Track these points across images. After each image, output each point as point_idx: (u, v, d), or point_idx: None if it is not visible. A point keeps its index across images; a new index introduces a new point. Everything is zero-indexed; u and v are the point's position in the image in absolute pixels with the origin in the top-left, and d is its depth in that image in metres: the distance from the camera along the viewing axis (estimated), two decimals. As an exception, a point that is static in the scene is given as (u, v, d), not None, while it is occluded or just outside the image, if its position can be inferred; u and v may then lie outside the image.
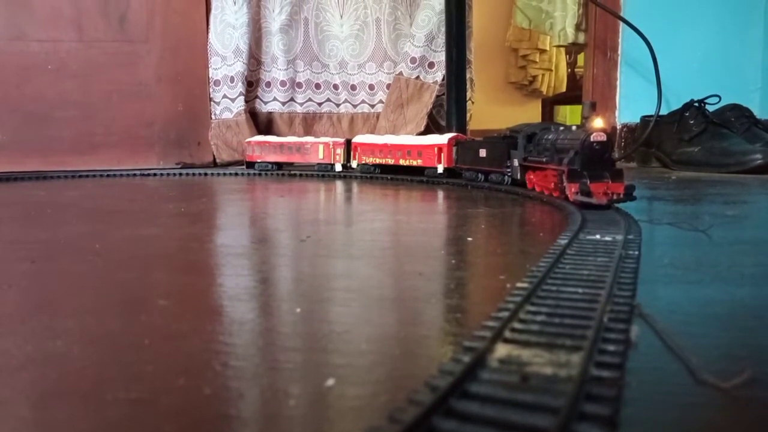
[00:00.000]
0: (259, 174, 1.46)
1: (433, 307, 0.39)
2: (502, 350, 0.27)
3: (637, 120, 1.61)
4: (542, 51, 3.00)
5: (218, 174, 1.47)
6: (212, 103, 1.68)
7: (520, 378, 0.24)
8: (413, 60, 1.68)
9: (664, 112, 1.51)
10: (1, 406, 0.25)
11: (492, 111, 2.86)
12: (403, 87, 1.69)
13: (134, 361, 0.29)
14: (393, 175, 1.27)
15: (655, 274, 0.45)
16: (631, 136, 1.65)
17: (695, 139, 1.41)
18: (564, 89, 3.14)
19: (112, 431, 0.23)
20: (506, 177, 0.99)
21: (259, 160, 1.48)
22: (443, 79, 1.62)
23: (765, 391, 0.25)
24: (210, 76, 1.67)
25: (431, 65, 1.68)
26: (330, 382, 0.26)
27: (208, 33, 1.66)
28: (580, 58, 2.74)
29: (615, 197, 0.67)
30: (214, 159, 1.68)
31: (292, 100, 1.74)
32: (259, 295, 0.43)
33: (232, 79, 1.67)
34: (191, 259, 0.56)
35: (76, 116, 1.60)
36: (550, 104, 3.25)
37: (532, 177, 0.90)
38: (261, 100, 1.74)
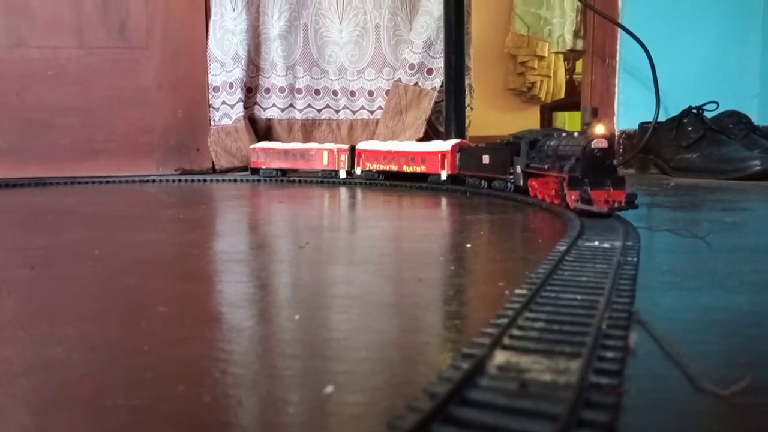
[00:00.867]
0: (260, 180, 1.46)
1: (432, 314, 0.39)
2: (500, 357, 0.27)
3: (636, 126, 1.62)
4: (541, 57, 3.01)
5: (217, 180, 1.48)
6: (211, 109, 1.69)
7: (518, 385, 0.24)
8: (412, 66, 1.68)
9: (662, 118, 1.51)
10: (1, 413, 0.25)
11: (490, 117, 2.86)
12: (402, 93, 1.69)
13: (134, 367, 0.29)
14: (396, 181, 1.26)
15: (653, 281, 0.45)
16: (630, 142, 1.65)
17: (693, 146, 1.41)
18: (562, 96, 3.14)
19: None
20: (509, 184, 0.98)
21: (263, 167, 1.47)
22: (442, 86, 1.63)
23: (764, 398, 0.25)
24: (209, 82, 1.68)
25: (430, 71, 1.69)
26: (329, 389, 0.26)
27: (207, 39, 1.67)
28: (579, 65, 2.75)
29: (616, 205, 0.66)
30: (213, 165, 1.68)
31: (291, 106, 1.74)
32: (258, 302, 0.43)
33: (231, 86, 1.68)
34: (191, 266, 0.56)
35: (76, 123, 1.60)
36: (548, 111, 3.26)
37: (534, 184, 0.89)
38: (260, 106, 1.74)
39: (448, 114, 1.53)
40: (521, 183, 0.94)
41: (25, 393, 0.27)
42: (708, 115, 1.44)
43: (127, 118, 1.63)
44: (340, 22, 1.73)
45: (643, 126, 1.56)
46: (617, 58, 1.69)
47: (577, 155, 0.71)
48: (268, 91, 1.74)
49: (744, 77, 1.64)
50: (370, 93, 1.76)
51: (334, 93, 1.75)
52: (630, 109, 1.66)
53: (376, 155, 1.32)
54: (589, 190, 0.67)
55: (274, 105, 1.74)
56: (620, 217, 0.66)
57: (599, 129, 0.70)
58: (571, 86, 3.11)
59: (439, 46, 1.65)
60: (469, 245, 0.64)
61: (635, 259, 0.46)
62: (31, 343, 0.34)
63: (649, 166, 1.56)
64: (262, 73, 1.73)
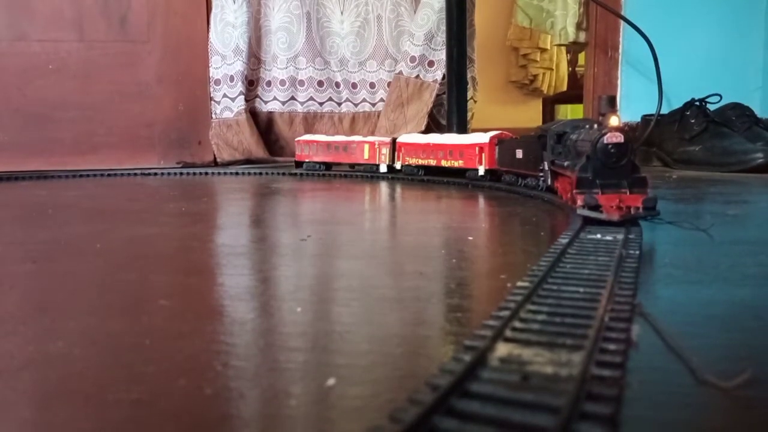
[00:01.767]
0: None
1: (434, 307, 0.39)
2: (502, 349, 0.27)
3: (638, 119, 1.61)
4: (543, 50, 3.01)
5: (219, 173, 1.48)
6: (213, 102, 1.68)
7: (520, 377, 0.24)
8: (413, 59, 1.68)
9: (665, 111, 1.51)
10: (2, 407, 0.25)
11: (493, 110, 2.86)
12: (403, 86, 1.69)
13: (135, 361, 0.29)
14: (433, 177, 1.18)
15: (655, 273, 0.45)
16: (632, 135, 1.65)
17: (696, 138, 1.40)
18: (565, 88, 3.14)
19: None
20: (540, 182, 0.87)
21: (307, 160, 1.41)
22: (443, 78, 1.62)
23: (766, 391, 0.25)
24: (210, 75, 1.67)
25: (431, 64, 1.68)
26: (331, 381, 0.26)
27: (208, 32, 1.66)
28: (581, 57, 2.74)
29: (632, 212, 0.56)
30: (215, 158, 1.68)
31: (292, 99, 1.74)
32: (259, 295, 0.43)
33: (231, 78, 1.67)
34: (192, 259, 0.56)
35: (77, 116, 1.60)
36: (551, 103, 3.25)
37: (557, 184, 0.80)
38: (261, 99, 1.74)
39: (450, 107, 1.52)
40: (549, 181, 0.83)
41: (27, 387, 0.27)
42: (711, 107, 1.43)
43: (129, 111, 1.63)
44: (342, 13, 1.72)
45: (646, 118, 1.55)
46: (620, 51, 1.68)
47: (588, 152, 0.62)
48: (269, 84, 1.73)
49: (747, 70, 1.63)
50: (372, 85, 1.75)
51: (337, 85, 1.74)
52: (633, 102, 1.65)
53: (415, 149, 1.24)
54: (599, 193, 0.58)
55: (275, 98, 1.73)
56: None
57: (613, 121, 0.59)
58: (574, 79, 3.10)
59: (441, 38, 1.65)
60: (470, 237, 0.63)
61: (637, 252, 0.46)
62: (33, 337, 0.34)
63: (651, 158, 1.56)
64: (264, 66, 1.73)
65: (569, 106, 3.20)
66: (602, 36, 1.71)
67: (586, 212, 0.57)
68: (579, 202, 0.58)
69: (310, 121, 1.75)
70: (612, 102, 0.60)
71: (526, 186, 0.93)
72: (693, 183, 1.13)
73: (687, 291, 0.42)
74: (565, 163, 0.72)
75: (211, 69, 1.67)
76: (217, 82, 1.68)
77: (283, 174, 1.43)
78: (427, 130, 1.61)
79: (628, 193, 0.58)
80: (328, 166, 1.39)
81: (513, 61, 3.12)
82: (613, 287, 0.36)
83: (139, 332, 0.34)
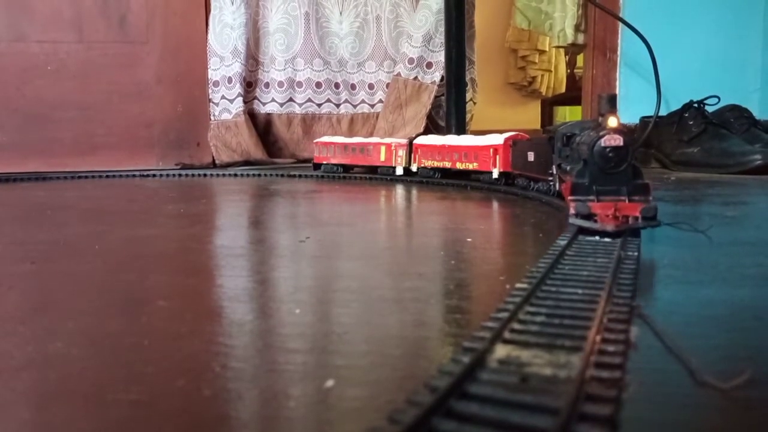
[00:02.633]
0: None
1: (433, 308, 0.39)
2: (501, 351, 0.27)
3: (637, 121, 1.61)
4: (541, 52, 3.01)
5: (218, 175, 1.47)
6: (211, 104, 1.68)
7: (519, 379, 0.24)
8: (411, 60, 1.68)
9: (663, 112, 1.51)
10: (1, 407, 0.25)
11: (491, 112, 2.86)
12: (402, 88, 1.69)
13: (134, 362, 0.29)
14: (449, 180, 1.15)
15: (654, 275, 0.45)
16: (633, 137, 1.65)
17: (695, 140, 1.40)
18: (563, 90, 3.14)
19: (112, 432, 0.23)
20: (551, 186, 0.82)
21: (324, 162, 1.37)
22: (442, 80, 1.62)
23: (765, 391, 0.25)
24: (209, 76, 1.67)
25: (429, 65, 1.68)
26: (329, 383, 0.26)
27: (207, 34, 1.66)
28: (580, 59, 2.75)
29: (630, 222, 0.52)
30: (214, 160, 1.68)
31: (291, 100, 1.74)
32: (258, 296, 0.43)
33: (230, 80, 1.67)
34: (191, 260, 0.56)
35: (76, 117, 1.60)
36: (549, 105, 3.26)
37: (564, 189, 0.73)
38: (259, 101, 1.74)
39: (449, 108, 1.52)
40: (558, 186, 0.78)
41: (26, 387, 0.27)
42: (709, 109, 1.43)
43: (127, 112, 1.63)
44: (341, 13, 1.72)
45: (644, 120, 1.55)
46: (618, 53, 1.68)
47: (584, 156, 0.57)
48: (267, 85, 1.73)
49: (745, 71, 1.63)
50: (371, 86, 1.75)
51: (336, 86, 1.74)
52: (631, 104, 1.65)
53: (431, 151, 1.20)
54: (594, 200, 0.53)
55: (273, 100, 1.73)
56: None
57: (612, 122, 0.54)
58: (572, 80, 3.11)
59: (439, 39, 1.65)
60: (469, 239, 0.63)
61: (636, 253, 0.46)
62: (32, 337, 0.34)
63: (650, 160, 1.56)
64: (262, 68, 1.73)
65: (568, 108, 3.21)
66: (601, 38, 1.71)
67: (579, 221, 0.53)
68: (571, 211, 0.54)
69: (309, 123, 1.75)
70: (612, 101, 0.55)
71: (537, 191, 0.88)
72: (691, 184, 1.13)
73: (686, 292, 0.42)
74: (568, 168, 0.67)
75: (209, 70, 1.67)
76: (216, 83, 1.68)
77: (282, 175, 1.43)
78: (426, 132, 1.61)
79: (626, 200, 0.53)
80: (346, 168, 1.35)
81: (512, 63, 3.12)
82: (612, 289, 0.36)
83: (137, 333, 0.34)
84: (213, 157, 1.68)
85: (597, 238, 0.51)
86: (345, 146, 1.35)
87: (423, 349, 0.32)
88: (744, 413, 0.24)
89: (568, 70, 3.15)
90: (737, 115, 1.39)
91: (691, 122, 1.43)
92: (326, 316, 0.37)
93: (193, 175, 1.48)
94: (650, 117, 1.50)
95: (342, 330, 0.34)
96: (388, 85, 1.72)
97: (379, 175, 1.27)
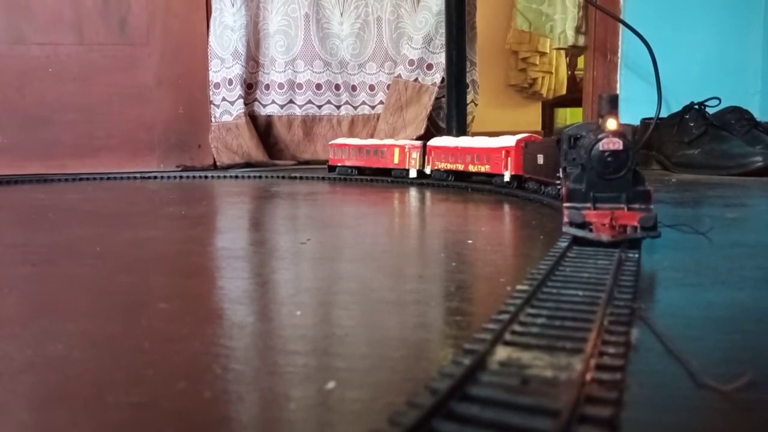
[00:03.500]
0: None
1: (434, 310, 0.39)
2: (502, 353, 0.27)
3: (638, 122, 1.61)
4: (542, 53, 3.01)
5: (219, 177, 1.48)
6: (212, 105, 1.68)
7: (520, 381, 0.24)
8: (411, 62, 1.68)
9: (664, 114, 1.51)
10: (2, 410, 0.25)
11: (492, 114, 2.86)
12: (402, 89, 1.69)
13: (135, 364, 0.29)
14: (459, 183, 1.13)
15: (655, 277, 0.45)
16: (632, 140, 1.65)
17: (695, 142, 1.40)
18: (564, 92, 3.14)
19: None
20: (559, 191, 0.77)
21: (339, 164, 1.34)
22: (443, 81, 1.62)
23: (765, 394, 0.25)
24: (210, 78, 1.67)
25: (429, 67, 1.68)
26: (330, 385, 0.26)
27: (208, 36, 1.66)
28: (581, 60, 2.75)
29: (628, 232, 0.49)
30: (215, 162, 1.68)
31: (291, 102, 1.74)
32: (259, 299, 0.43)
33: (230, 82, 1.67)
34: (192, 262, 0.56)
35: (77, 119, 1.60)
36: (550, 107, 3.26)
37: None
38: (260, 102, 1.74)
39: (450, 110, 1.52)
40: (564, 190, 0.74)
41: (26, 389, 0.27)
42: (710, 111, 1.43)
43: (128, 114, 1.63)
44: (341, 14, 1.72)
45: (645, 122, 1.55)
46: (619, 54, 1.68)
47: (582, 160, 0.54)
48: (267, 87, 1.73)
49: (746, 73, 1.63)
50: (371, 87, 1.75)
51: (336, 87, 1.74)
52: (632, 105, 1.65)
53: (445, 153, 1.17)
54: (590, 208, 0.50)
55: (273, 101, 1.73)
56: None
57: (611, 124, 0.51)
58: (573, 82, 3.11)
59: (439, 41, 1.65)
60: (470, 241, 0.63)
61: (636, 255, 0.46)
62: (32, 339, 0.34)
63: (650, 162, 1.56)
64: (262, 69, 1.73)
65: (569, 110, 3.21)
66: (601, 39, 1.71)
67: (573, 230, 0.50)
68: (565, 219, 0.51)
69: (309, 124, 1.75)
70: (613, 102, 0.51)
71: (548, 195, 0.85)
72: (692, 186, 1.13)
73: (687, 294, 0.42)
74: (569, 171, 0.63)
75: (210, 72, 1.67)
76: (217, 85, 1.68)
77: (283, 177, 1.43)
78: (427, 134, 1.62)
79: (625, 209, 0.50)
80: (360, 170, 1.32)
81: (512, 65, 3.12)
82: (612, 291, 0.36)
83: (138, 335, 0.34)
84: (214, 158, 1.68)
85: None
86: (359, 148, 1.32)
87: (424, 351, 0.32)
88: (744, 415, 0.24)
89: (569, 72, 3.15)
90: (738, 116, 1.39)
91: (691, 124, 1.43)
92: (327, 319, 0.37)
93: (194, 177, 1.48)
94: (651, 118, 1.50)
95: (343, 332, 0.34)
96: (388, 86, 1.73)
97: (391, 178, 1.25)
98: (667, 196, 0.98)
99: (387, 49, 1.74)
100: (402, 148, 1.25)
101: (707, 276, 0.46)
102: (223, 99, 1.68)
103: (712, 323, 0.36)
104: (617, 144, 0.51)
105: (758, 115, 1.45)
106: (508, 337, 0.29)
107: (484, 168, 1.07)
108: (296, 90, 1.73)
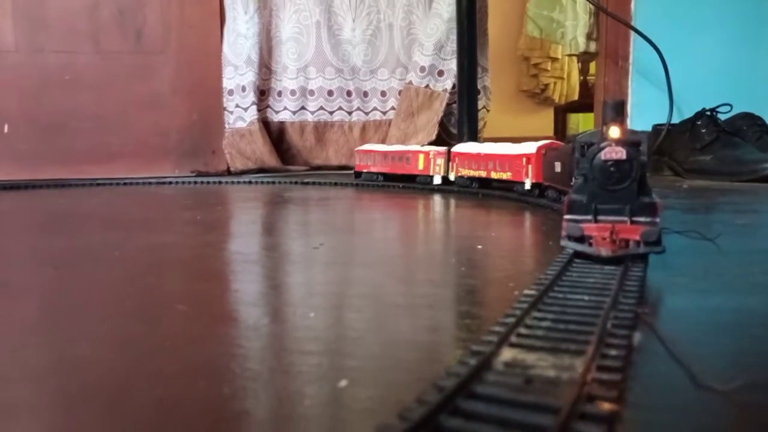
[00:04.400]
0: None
1: (444, 314, 0.40)
2: (507, 354, 0.28)
3: (649, 128, 1.61)
4: (554, 59, 3.01)
5: (233, 182, 1.49)
6: (226, 112, 1.71)
7: (524, 380, 0.25)
8: (422, 69, 1.69)
9: (675, 120, 1.51)
10: (29, 411, 0.27)
11: (504, 119, 2.86)
12: (413, 96, 1.70)
13: (157, 364, 0.31)
14: (484, 190, 1.09)
15: (662, 282, 0.46)
16: (637, 148, 1.65)
17: (707, 148, 1.40)
18: (576, 97, 3.14)
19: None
20: None
21: (365, 170, 1.33)
22: (454, 87, 1.63)
23: (765, 395, 0.26)
24: (224, 85, 1.70)
25: (441, 73, 1.70)
26: (343, 383, 0.27)
27: (222, 44, 1.69)
28: (593, 66, 2.75)
29: (630, 247, 0.46)
30: (229, 167, 1.70)
31: (303, 108, 1.76)
32: (273, 301, 0.44)
33: (243, 89, 1.69)
34: (207, 267, 0.58)
35: (93, 126, 1.63)
36: (562, 112, 3.26)
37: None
38: (272, 109, 1.76)
39: (461, 116, 1.53)
40: None
41: (52, 390, 0.29)
42: (721, 117, 1.44)
43: (143, 121, 1.65)
44: (353, 20, 1.74)
45: (657, 128, 1.56)
46: (630, 60, 1.69)
47: (584, 170, 0.51)
48: (280, 94, 1.75)
49: (757, 79, 1.63)
50: (383, 93, 1.77)
51: (348, 93, 1.76)
52: (643, 111, 1.65)
53: (468, 159, 1.14)
54: (591, 221, 0.48)
55: (285, 108, 1.75)
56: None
57: (613, 132, 0.48)
58: (585, 87, 3.11)
59: (450, 47, 1.66)
60: (479, 246, 0.65)
61: (643, 262, 0.47)
62: (56, 341, 0.35)
63: (662, 168, 1.56)
64: (275, 76, 1.75)
65: (581, 115, 3.21)
66: (612, 46, 1.72)
67: (571, 244, 0.47)
68: (563, 232, 0.48)
69: (321, 130, 1.76)
70: (618, 108, 0.48)
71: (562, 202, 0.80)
72: (703, 192, 1.13)
73: (694, 300, 0.43)
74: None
75: (224, 79, 1.69)
76: (230, 92, 1.70)
77: (295, 183, 1.44)
78: (438, 140, 1.63)
79: (628, 222, 0.47)
80: (386, 176, 1.29)
81: (524, 71, 3.13)
82: (618, 296, 0.37)
83: (160, 336, 0.35)
84: (228, 164, 1.70)
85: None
86: (385, 154, 1.30)
87: (434, 353, 0.33)
88: (744, 416, 0.25)
89: (581, 78, 3.16)
90: (750, 123, 1.39)
91: (703, 130, 1.43)
92: (340, 321, 0.38)
93: (208, 183, 1.50)
94: (663, 125, 1.50)
95: (356, 334, 0.35)
96: (400, 92, 1.74)
97: (413, 185, 1.22)
98: (677, 202, 0.98)
99: (398, 56, 1.75)
100: (426, 154, 1.22)
101: (714, 281, 0.47)
102: (237, 105, 1.70)
103: (719, 328, 0.37)
104: (620, 153, 0.48)
105: (770, 121, 1.44)
106: (513, 339, 0.30)
107: (506, 175, 1.04)
108: (308, 96, 1.75)
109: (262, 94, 1.74)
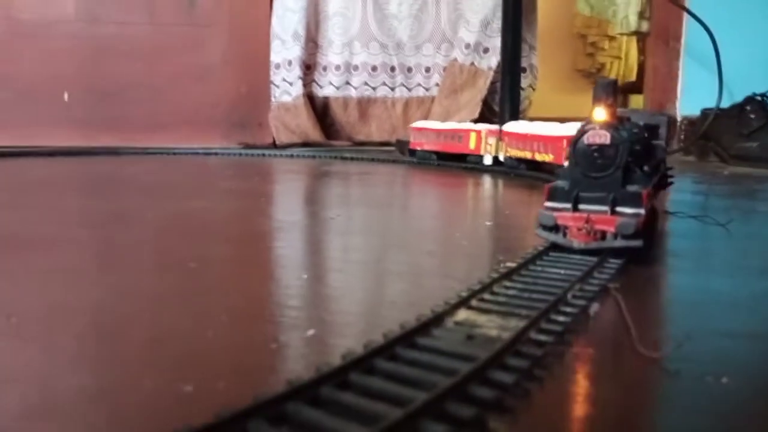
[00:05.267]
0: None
1: (431, 281, 0.43)
2: (461, 315, 0.30)
3: (698, 112, 1.57)
4: (611, 38, 2.93)
5: (276, 155, 1.54)
6: (272, 85, 1.75)
7: (465, 336, 0.27)
8: (468, 45, 1.69)
9: (725, 105, 1.47)
10: (74, 342, 0.31)
11: (558, 99, 2.81)
12: (458, 72, 1.70)
13: (195, 311, 0.35)
14: (530, 172, 1.04)
15: (651, 261, 0.47)
16: (692, 128, 1.61)
17: (754, 134, 1.36)
18: (634, 78, 3.05)
19: (172, 373, 0.28)
20: None
21: (419, 148, 1.29)
22: (499, 65, 1.63)
23: (691, 363, 0.28)
24: (271, 59, 1.74)
25: (486, 50, 1.69)
26: (311, 332, 0.31)
27: (271, 17, 1.73)
28: (650, 47, 2.66)
29: (606, 240, 0.43)
30: (274, 141, 1.75)
31: (347, 83, 1.78)
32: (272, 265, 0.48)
33: (290, 63, 1.73)
34: (237, 231, 0.62)
35: (145, 96, 1.70)
36: (621, 93, 3.17)
37: None
38: (317, 84, 1.79)
39: (503, 95, 1.53)
40: None
41: (84, 329, 0.33)
42: (773, 102, 1.39)
43: (194, 92, 1.72)
44: None
45: (705, 112, 1.52)
46: (682, 42, 1.64)
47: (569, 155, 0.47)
48: (325, 69, 1.78)
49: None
50: (427, 69, 1.77)
51: (392, 69, 1.77)
52: (693, 95, 1.61)
53: (516, 139, 1.09)
54: (569, 209, 0.45)
55: (330, 83, 1.78)
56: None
57: (597, 114, 0.45)
58: (644, 69, 3.01)
59: (496, 24, 1.65)
60: (488, 223, 0.67)
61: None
62: (92, 289, 0.40)
63: (708, 153, 1.52)
64: (321, 51, 1.77)
65: (641, 97, 3.12)
66: (664, 26, 1.67)
67: (544, 234, 0.45)
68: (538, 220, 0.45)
69: (364, 106, 1.79)
70: (608, 88, 0.45)
71: None
72: (742, 180, 1.11)
73: (673, 278, 0.44)
74: None
75: (271, 53, 1.73)
76: (277, 66, 1.74)
77: (336, 157, 1.47)
78: (481, 118, 1.63)
79: (608, 212, 0.44)
80: (439, 155, 1.25)
81: (580, 49, 3.05)
82: (593, 271, 0.39)
83: (192, 289, 0.40)
84: (273, 137, 1.75)
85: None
86: (438, 132, 1.25)
87: (405, 312, 0.35)
88: (670, 381, 0.27)
89: (642, 58, 3.06)
90: (801, 109, 1.34)
91: (752, 116, 1.39)
92: (327, 282, 0.42)
93: (253, 155, 1.55)
94: (711, 109, 1.46)
95: (338, 293, 0.39)
96: (444, 68, 1.74)
97: (464, 165, 1.18)
98: (708, 188, 0.97)
99: (444, 31, 1.75)
100: (478, 133, 1.17)
101: (701, 263, 0.48)
102: (283, 79, 1.74)
103: (683, 305, 0.38)
104: (604, 137, 0.44)
105: (824, 108, 1.39)
106: (474, 303, 0.32)
107: (548, 157, 0.98)
108: (352, 71, 1.77)
109: (308, 68, 1.77)
